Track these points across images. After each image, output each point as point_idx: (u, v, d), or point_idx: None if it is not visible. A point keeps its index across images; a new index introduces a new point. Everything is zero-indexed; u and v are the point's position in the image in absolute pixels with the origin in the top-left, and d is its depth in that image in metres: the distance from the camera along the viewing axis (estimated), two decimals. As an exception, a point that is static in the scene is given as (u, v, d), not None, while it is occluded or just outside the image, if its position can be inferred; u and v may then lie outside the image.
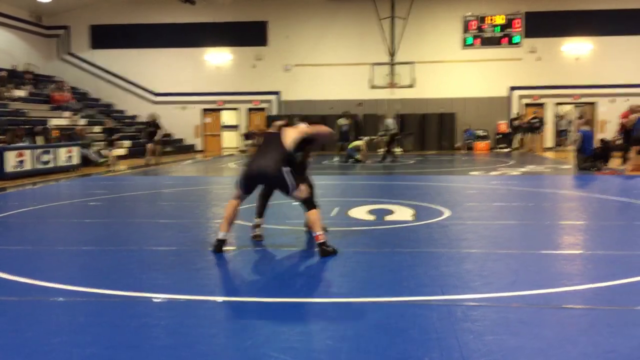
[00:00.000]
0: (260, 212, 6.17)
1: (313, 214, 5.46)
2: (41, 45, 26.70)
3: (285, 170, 5.43)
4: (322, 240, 5.35)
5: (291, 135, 5.60)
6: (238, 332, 3.45)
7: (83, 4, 26.56)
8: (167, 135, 19.66)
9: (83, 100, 25.65)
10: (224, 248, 5.56)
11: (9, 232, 7.10)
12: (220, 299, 4.16)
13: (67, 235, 6.90)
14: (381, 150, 19.79)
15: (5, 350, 3.21)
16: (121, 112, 26.87)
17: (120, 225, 7.45)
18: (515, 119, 24.63)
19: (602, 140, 15.52)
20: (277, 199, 6.36)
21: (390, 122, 18.42)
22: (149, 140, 18.50)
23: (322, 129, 6.04)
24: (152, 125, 18.58)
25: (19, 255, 5.67)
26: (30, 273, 4.84)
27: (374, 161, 18.11)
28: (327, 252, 5.32)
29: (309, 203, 5.53)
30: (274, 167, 5.42)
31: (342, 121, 18.74)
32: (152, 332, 3.45)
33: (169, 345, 3.24)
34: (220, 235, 5.57)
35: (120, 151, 18.85)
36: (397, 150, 24.13)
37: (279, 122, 6.14)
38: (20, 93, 21.49)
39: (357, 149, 18.43)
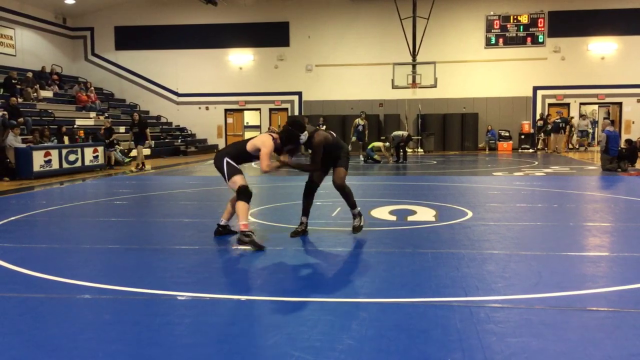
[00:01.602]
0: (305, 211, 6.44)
1: (241, 205, 5.77)
2: (66, 47, 27.13)
3: (226, 160, 5.91)
4: (244, 230, 5.68)
5: (254, 143, 5.93)
6: (260, 331, 3.48)
7: (107, 6, 26.93)
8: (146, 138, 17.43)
9: (109, 101, 25.99)
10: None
11: (37, 230, 7.23)
12: (242, 297, 4.19)
13: (93, 234, 7.01)
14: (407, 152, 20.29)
15: (31, 346, 3.28)
16: (146, 112, 27.17)
17: (144, 224, 7.54)
18: (540, 119, 24.36)
19: (627, 141, 15.26)
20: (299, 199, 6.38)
21: (397, 134, 18.47)
22: (136, 142, 16.80)
23: (263, 158, 5.90)
24: (137, 125, 16.74)
25: (46, 253, 5.77)
26: (57, 271, 4.93)
27: (393, 162, 18.10)
28: (243, 241, 5.68)
29: (240, 194, 5.80)
30: (219, 157, 6.00)
31: (359, 121, 19.22)
32: (176, 330, 3.49)
33: (192, 343, 3.28)
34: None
35: (113, 153, 18.10)
36: (420, 150, 24.06)
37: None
38: (46, 94, 21.84)
39: (376, 150, 18.41)
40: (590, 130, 24.65)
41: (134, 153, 18.49)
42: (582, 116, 24.86)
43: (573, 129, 24.29)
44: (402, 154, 18.43)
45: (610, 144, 14.35)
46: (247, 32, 26.47)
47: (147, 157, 21.97)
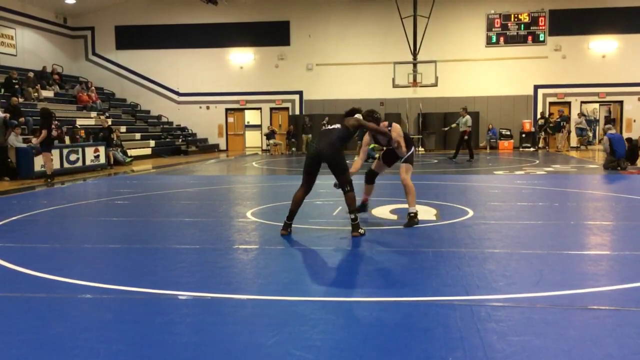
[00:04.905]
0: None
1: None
2: (67, 46, 27.13)
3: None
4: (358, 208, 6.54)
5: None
6: (261, 330, 3.48)
7: (107, 5, 26.93)
8: (57, 136, 14.20)
9: (109, 101, 25.99)
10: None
11: (38, 230, 7.24)
12: (243, 297, 4.19)
13: (94, 233, 7.01)
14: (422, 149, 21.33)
15: (32, 346, 3.28)
16: (147, 112, 27.18)
17: (146, 224, 7.54)
18: (541, 117, 24.30)
19: (627, 140, 15.22)
20: (307, 197, 6.38)
21: (468, 118, 18.21)
22: (42, 146, 13.18)
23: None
24: (42, 124, 13.32)
25: (47, 253, 5.78)
26: (58, 270, 4.93)
27: (466, 160, 17.91)
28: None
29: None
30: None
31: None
32: (177, 329, 3.50)
33: (193, 342, 3.28)
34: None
35: (113, 153, 17.90)
36: (420, 149, 24.02)
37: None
38: (47, 94, 21.84)
39: (378, 150, 18.39)
40: (587, 128, 24.49)
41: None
42: (578, 114, 24.70)
43: (565, 126, 24.07)
44: (465, 150, 18.32)
45: (615, 146, 14.27)
46: (248, 31, 26.46)
47: (148, 156, 21.93)
